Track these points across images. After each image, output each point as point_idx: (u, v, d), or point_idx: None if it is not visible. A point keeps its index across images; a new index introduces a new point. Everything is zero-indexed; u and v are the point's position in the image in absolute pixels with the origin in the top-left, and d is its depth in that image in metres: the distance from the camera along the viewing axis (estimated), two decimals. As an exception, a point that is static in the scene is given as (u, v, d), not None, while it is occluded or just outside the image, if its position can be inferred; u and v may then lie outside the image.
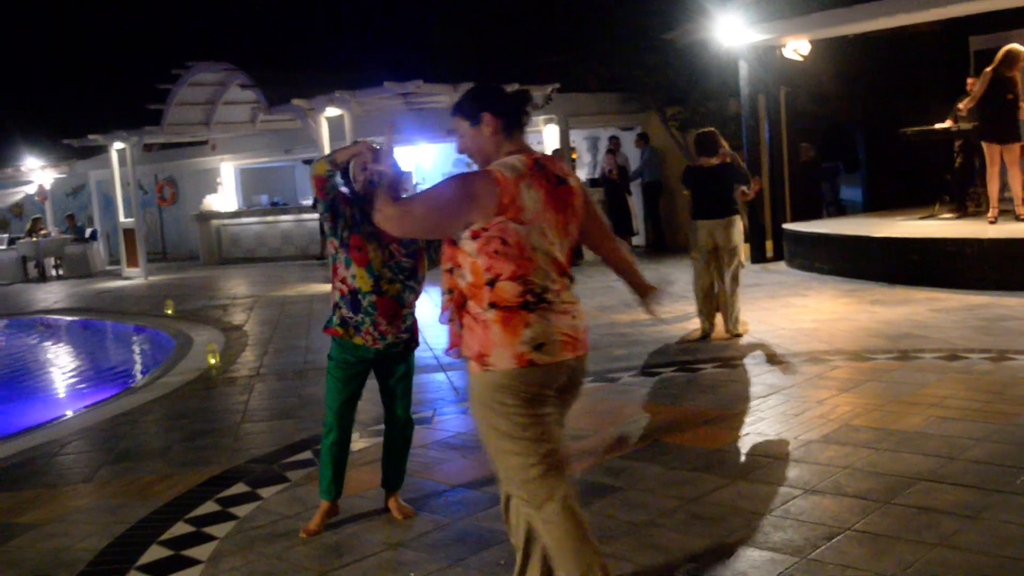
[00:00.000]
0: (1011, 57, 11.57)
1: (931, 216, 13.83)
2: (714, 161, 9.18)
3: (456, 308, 3.48)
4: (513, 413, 3.34)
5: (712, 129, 9.50)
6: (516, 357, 3.30)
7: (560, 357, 3.35)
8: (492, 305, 3.35)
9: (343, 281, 4.79)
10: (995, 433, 5.68)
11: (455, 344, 3.56)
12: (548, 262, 3.38)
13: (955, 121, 13.38)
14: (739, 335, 9.24)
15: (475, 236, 3.34)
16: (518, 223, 3.32)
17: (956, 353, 7.89)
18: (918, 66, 16.48)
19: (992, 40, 15.36)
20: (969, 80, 13.49)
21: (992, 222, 11.91)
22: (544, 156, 3.51)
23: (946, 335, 8.64)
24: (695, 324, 9.59)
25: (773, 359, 8.22)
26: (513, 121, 3.49)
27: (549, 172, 3.44)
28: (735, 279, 9.26)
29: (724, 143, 9.31)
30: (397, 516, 5.00)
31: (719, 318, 9.40)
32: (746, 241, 9.76)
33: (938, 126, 13.62)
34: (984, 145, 11.92)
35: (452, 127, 3.58)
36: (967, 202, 13.65)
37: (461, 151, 3.59)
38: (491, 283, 3.34)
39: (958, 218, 13.37)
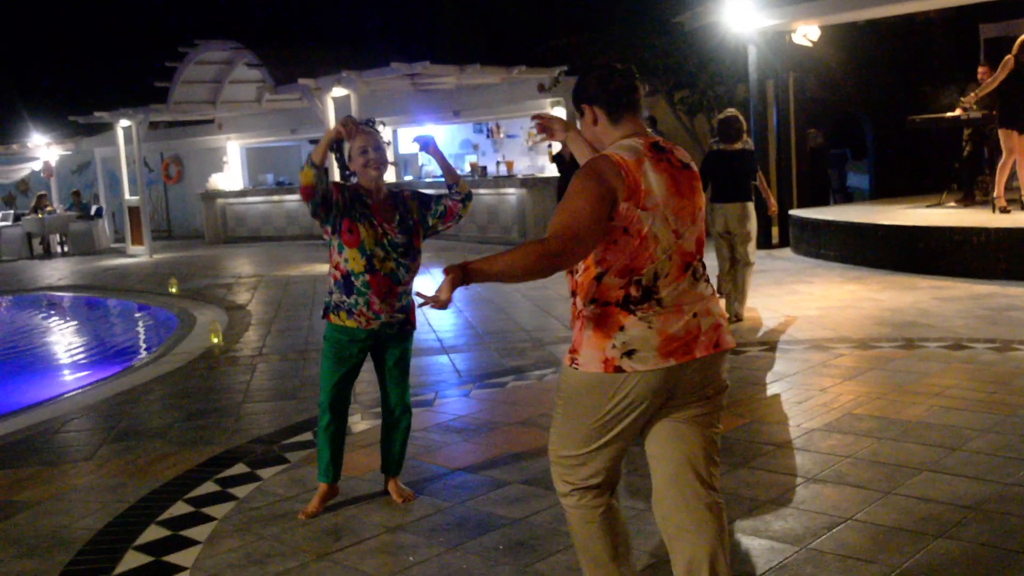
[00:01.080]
0: None
1: (938, 204, 13.78)
2: (736, 146, 9.20)
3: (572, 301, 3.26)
4: (587, 416, 3.15)
5: (736, 113, 9.45)
6: (604, 362, 3.07)
7: (657, 364, 3.04)
8: (592, 301, 3.11)
9: (336, 267, 4.79)
10: (998, 424, 5.65)
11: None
12: (670, 253, 3.09)
13: (964, 109, 13.32)
14: (740, 319, 9.25)
15: None
16: (641, 208, 3.03)
17: (960, 343, 7.85)
18: (927, 53, 16.42)
19: (1002, 28, 15.33)
20: (980, 68, 13.41)
21: (1004, 210, 11.85)
22: (663, 140, 3.23)
23: (951, 324, 8.61)
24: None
25: (777, 346, 8.20)
26: (616, 106, 3.19)
27: (671, 156, 3.17)
28: (747, 264, 9.28)
29: (745, 128, 9.32)
30: (396, 499, 4.99)
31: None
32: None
33: (947, 115, 13.56)
34: (1002, 132, 11.83)
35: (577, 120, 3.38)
36: (974, 190, 13.59)
37: (588, 140, 3.37)
38: (599, 277, 3.10)
39: (965, 206, 13.32)
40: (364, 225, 4.71)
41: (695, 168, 3.26)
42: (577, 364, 3.15)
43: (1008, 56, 11.60)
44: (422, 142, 4.87)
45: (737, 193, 9.17)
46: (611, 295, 3.09)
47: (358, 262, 4.71)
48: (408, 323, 4.95)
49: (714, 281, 9.59)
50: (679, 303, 3.10)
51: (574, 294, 3.23)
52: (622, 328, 3.06)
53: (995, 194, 12.06)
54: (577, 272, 3.19)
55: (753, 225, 9.29)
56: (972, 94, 12.36)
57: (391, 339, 4.91)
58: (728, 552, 3.24)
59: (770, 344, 8.29)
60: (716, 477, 3.25)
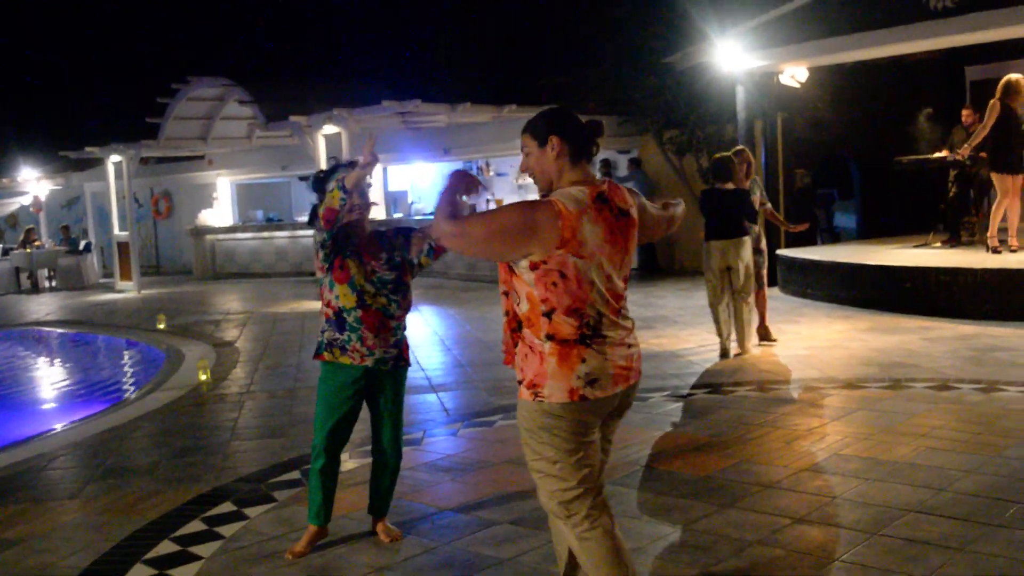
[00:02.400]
0: (1013, 87, 11.60)
1: (925, 245, 13.86)
2: (729, 185, 9.45)
3: (510, 330, 3.52)
4: (559, 440, 3.41)
5: (729, 155, 9.78)
6: (569, 392, 3.36)
7: (612, 391, 3.42)
8: (549, 337, 3.37)
9: (328, 304, 4.81)
10: (984, 465, 5.67)
11: (508, 361, 3.60)
12: (604, 294, 3.40)
13: (950, 151, 13.43)
14: (744, 353, 9.56)
15: (534, 267, 3.34)
16: (577, 257, 3.32)
17: (947, 383, 7.89)
18: (914, 95, 16.56)
19: (988, 70, 15.50)
20: (964, 111, 13.55)
21: (995, 250, 11.91)
22: (610, 187, 3.47)
23: (937, 364, 8.65)
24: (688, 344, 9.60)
25: (764, 386, 8.22)
26: (580, 150, 3.47)
27: (612, 204, 3.44)
28: (746, 296, 9.53)
29: (739, 170, 9.62)
30: (384, 539, 4.98)
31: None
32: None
33: (934, 156, 13.67)
34: (994, 176, 11.90)
35: (521, 144, 3.56)
36: (960, 231, 13.68)
37: (524, 169, 3.57)
38: (547, 315, 3.36)
39: (951, 247, 13.40)
40: (353, 261, 4.74)
41: (633, 214, 3.52)
42: (542, 397, 3.39)
43: (993, 100, 11.72)
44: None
45: (733, 231, 9.40)
46: (568, 332, 3.36)
47: (349, 298, 4.73)
48: (402, 359, 4.96)
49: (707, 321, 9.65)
50: (621, 337, 3.46)
51: (507, 313, 3.50)
52: (584, 360, 3.36)
53: (988, 234, 12.12)
54: (519, 305, 3.44)
55: (750, 258, 9.53)
56: (966, 146, 12.41)
57: (386, 377, 4.91)
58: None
59: (757, 384, 8.31)
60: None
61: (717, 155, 9.93)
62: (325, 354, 4.83)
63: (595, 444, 3.49)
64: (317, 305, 4.99)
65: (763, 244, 10.06)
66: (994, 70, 15.47)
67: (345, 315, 4.75)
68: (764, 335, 10.07)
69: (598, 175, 3.62)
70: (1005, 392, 7.50)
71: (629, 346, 3.48)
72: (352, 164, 4.93)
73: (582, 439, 3.41)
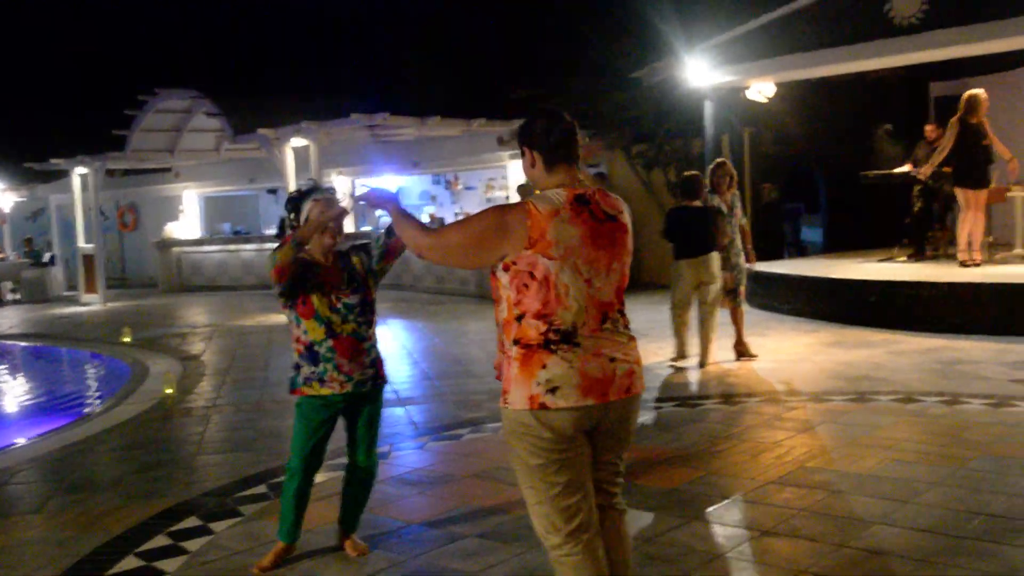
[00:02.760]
0: (974, 103, 11.74)
1: (890, 259, 13.99)
2: (696, 203, 9.59)
3: (499, 340, 3.50)
4: (527, 452, 3.32)
5: (696, 172, 9.98)
6: (529, 399, 3.27)
7: (578, 402, 3.25)
8: (516, 341, 3.32)
9: (298, 340, 4.78)
10: (948, 477, 5.72)
11: (499, 377, 3.52)
12: (583, 300, 3.29)
13: (914, 165, 13.57)
14: (706, 365, 9.66)
15: (506, 269, 3.31)
16: (547, 258, 3.25)
17: (912, 396, 7.95)
18: (880, 111, 16.72)
19: (952, 87, 15.69)
20: (928, 127, 13.71)
21: (964, 264, 12.01)
22: (595, 191, 3.42)
23: (902, 377, 8.72)
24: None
25: (731, 399, 8.26)
26: (553, 155, 3.39)
27: (595, 207, 3.36)
28: (714, 311, 9.66)
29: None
30: (352, 553, 4.95)
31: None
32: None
33: (898, 170, 13.81)
34: (958, 191, 12.03)
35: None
36: (925, 246, 13.82)
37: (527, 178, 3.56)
38: (519, 318, 3.31)
39: (916, 261, 13.53)
40: (316, 296, 4.71)
41: (623, 219, 3.43)
42: (507, 403, 3.34)
43: (953, 118, 11.86)
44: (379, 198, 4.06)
45: (701, 248, 9.50)
46: (533, 337, 3.28)
47: (317, 331, 4.72)
48: (379, 377, 4.94)
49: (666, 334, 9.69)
50: (597, 347, 3.31)
51: (497, 324, 3.47)
52: (545, 366, 3.26)
53: (958, 249, 12.22)
54: (501, 311, 3.40)
55: (719, 273, 9.63)
56: (927, 166, 12.52)
57: (364, 397, 4.89)
58: (629, 552, 3.59)
59: (724, 397, 8.35)
60: (620, 485, 3.61)
61: (686, 173, 10.08)
62: (304, 388, 4.79)
63: (574, 462, 3.33)
64: (283, 318, 4.94)
65: (743, 260, 10.01)
66: (958, 86, 15.65)
67: (317, 347, 4.74)
68: (743, 351, 10.03)
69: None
70: (969, 405, 7.56)
71: (613, 359, 3.32)
72: (330, 189, 4.93)
73: (553, 453, 3.28)
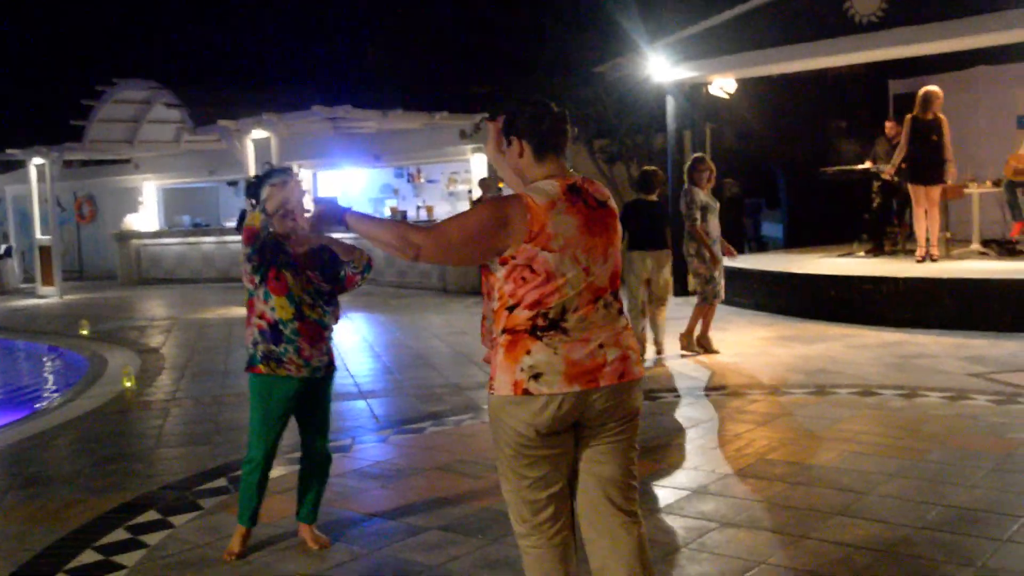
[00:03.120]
0: (927, 99, 11.86)
1: (849, 254, 14.12)
2: (653, 197, 9.82)
3: (483, 333, 3.48)
4: (508, 440, 3.28)
5: (655, 168, 10.23)
6: (514, 385, 3.22)
7: (563, 389, 3.20)
8: (504, 330, 3.29)
9: (261, 316, 4.73)
10: (906, 469, 5.78)
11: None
12: (580, 288, 3.25)
13: (874, 162, 13.71)
14: (662, 352, 9.98)
15: (504, 262, 3.26)
16: (547, 251, 3.21)
17: (870, 389, 8.03)
18: (840, 107, 16.88)
19: (911, 84, 15.83)
20: (888, 123, 13.85)
21: (920, 261, 12.13)
22: (583, 179, 3.40)
23: (861, 371, 8.80)
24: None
25: (692, 392, 8.30)
26: (543, 145, 3.36)
27: (587, 196, 3.34)
28: (663, 303, 9.94)
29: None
30: (312, 546, 4.93)
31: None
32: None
33: (858, 167, 13.94)
34: (910, 187, 12.15)
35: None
36: (884, 241, 13.96)
37: (512, 169, 3.52)
38: (511, 309, 3.27)
39: (875, 256, 13.66)
40: (290, 273, 4.69)
41: (611, 205, 3.41)
42: (493, 389, 3.30)
43: (908, 115, 11.96)
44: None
45: (656, 242, 9.74)
46: (520, 324, 3.25)
47: (287, 310, 4.69)
48: (332, 364, 4.94)
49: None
50: (586, 333, 3.25)
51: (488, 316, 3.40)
52: (529, 352, 3.22)
53: (918, 244, 12.32)
54: (493, 300, 3.35)
55: (669, 269, 9.97)
56: (890, 166, 12.61)
57: (317, 384, 4.87)
58: (650, 570, 3.39)
59: (685, 390, 8.39)
60: (634, 500, 3.40)
61: (644, 168, 10.34)
62: (261, 367, 4.75)
63: (554, 456, 3.29)
64: (244, 311, 4.89)
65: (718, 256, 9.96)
66: (917, 84, 15.81)
67: (282, 327, 4.70)
68: (707, 346, 10.06)
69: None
70: (926, 398, 7.65)
71: (601, 345, 3.26)
72: (286, 171, 4.89)
73: (533, 444, 3.24)
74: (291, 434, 5.01)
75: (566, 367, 3.20)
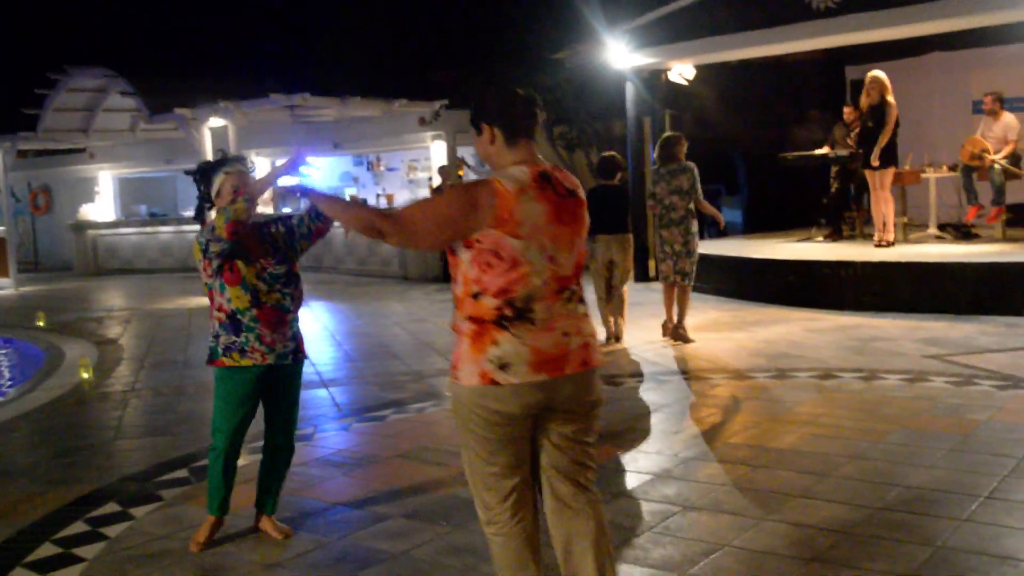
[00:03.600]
0: (865, 84, 11.99)
1: (808, 239, 14.22)
2: (615, 182, 9.94)
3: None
4: (473, 429, 3.29)
5: (614, 153, 10.33)
6: (480, 375, 3.22)
7: (530, 378, 3.21)
8: (469, 318, 3.26)
9: (220, 308, 4.68)
10: (867, 451, 5.84)
11: None
12: (546, 277, 3.25)
13: (831, 147, 13.81)
14: (620, 339, 10.02)
15: (469, 246, 3.23)
16: (514, 237, 3.19)
17: (830, 372, 8.10)
18: (797, 93, 16.97)
19: (867, 70, 15.93)
20: (846, 108, 13.96)
21: (877, 245, 12.23)
22: (553, 167, 3.37)
23: (820, 354, 8.87)
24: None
25: (654, 377, 8.33)
26: (514, 131, 3.32)
27: (557, 184, 3.32)
28: (624, 288, 10.03)
29: (624, 165, 10.07)
30: (275, 536, 4.89)
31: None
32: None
33: (815, 152, 14.04)
34: (867, 173, 12.25)
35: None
36: (842, 226, 14.08)
37: (480, 156, 3.47)
38: (475, 296, 3.24)
39: (833, 241, 13.78)
40: (241, 263, 4.63)
41: (580, 194, 3.41)
42: (458, 378, 3.29)
43: (888, 97, 11.93)
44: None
45: (618, 225, 9.84)
46: (487, 314, 3.23)
47: (242, 299, 4.64)
48: (299, 351, 4.89)
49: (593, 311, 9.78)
50: (551, 323, 3.26)
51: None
52: (496, 343, 3.21)
53: (876, 229, 12.39)
54: (456, 287, 3.33)
55: (631, 253, 10.07)
56: (876, 148, 12.51)
57: (284, 372, 4.83)
58: (610, 543, 3.47)
59: (647, 375, 8.42)
60: (592, 481, 3.48)
61: (604, 154, 10.40)
62: (224, 359, 4.69)
63: (518, 443, 3.32)
64: (204, 301, 4.84)
65: (695, 242, 9.81)
66: (871, 69, 15.98)
67: (240, 316, 4.66)
68: (682, 335, 9.86)
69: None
70: (885, 380, 7.73)
71: (566, 334, 3.28)
72: (240, 159, 4.84)
73: (497, 431, 3.26)
74: (258, 423, 4.96)
75: (532, 356, 3.21)
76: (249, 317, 4.65)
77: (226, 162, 4.79)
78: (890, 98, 11.89)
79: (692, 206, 9.64)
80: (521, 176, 3.26)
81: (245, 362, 4.68)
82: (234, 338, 4.67)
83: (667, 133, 10.12)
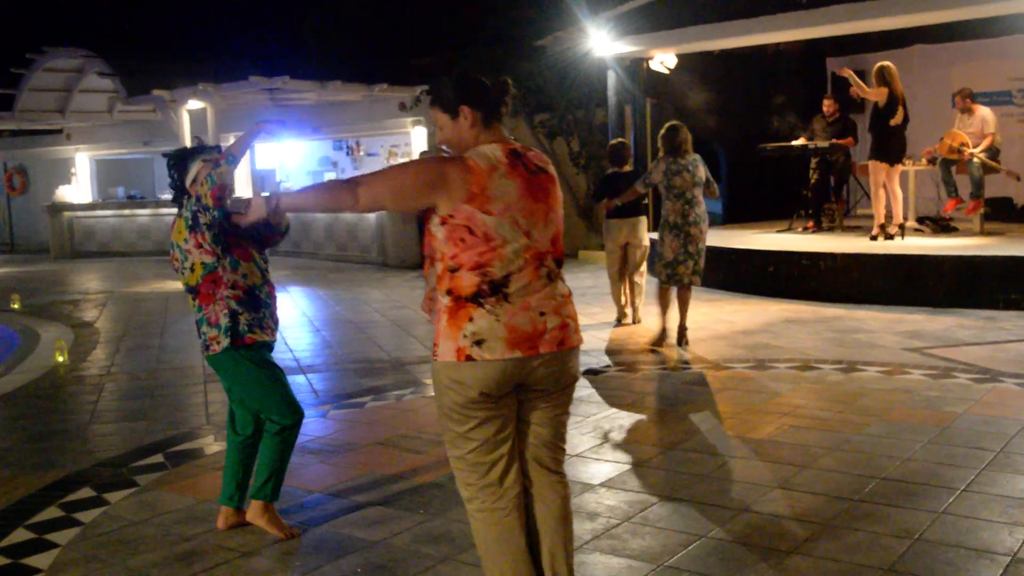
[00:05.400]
0: (893, 73, 11.83)
1: (788, 230, 14.25)
2: (627, 168, 10.36)
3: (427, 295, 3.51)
4: (452, 405, 3.33)
5: (622, 140, 10.84)
6: (456, 351, 3.26)
7: (504, 355, 3.25)
8: (448, 292, 3.31)
9: (234, 286, 4.55)
10: (845, 442, 5.85)
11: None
12: (521, 252, 3.30)
13: (811, 139, 13.83)
14: (639, 321, 10.37)
15: (443, 223, 3.28)
16: (486, 213, 3.24)
17: (809, 364, 8.11)
18: (778, 84, 16.97)
19: (847, 62, 15.98)
20: (826, 100, 13.98)
21: (873, 238, 12.17)
22: (522, 146, 3.46)
23: (800, 346, 8.89)
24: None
25: (633, 367, 8.32)
26: (492, 113, 3.43)
27: (528, 161, 3.40)
28: (640, 271, 10.40)
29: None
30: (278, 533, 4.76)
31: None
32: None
33: (795, 143, 14.05)
34: (872, 164, 11.98)
35: (431, 118, 3.49)
36: (822, 217, 14.11)
37: (440, 142, 3.51)
38: (453, 271, 3.29)
39: (813, 232, 13.80)
40: (246, 240, 4.61)
41: (551, 171, 3.49)
42: (437, 355, 3.34)
43: (897, 86, 11.76)
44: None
45: (631, 211, 10.11)
46: (464, 289, 3.27)
47: (256, 275, 4.65)
48: None
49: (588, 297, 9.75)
50: (527, 301, 3.30)
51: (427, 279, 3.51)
52: (471, 319, 3.26)
53: (877, 223, 12.23)
54: (435, 262, 3.39)
55: (645, 236, 10.37)
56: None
57: (270, 350, 4.80)
58: (571, 526, 3.55)
59: (626, 365, 8.41)
60: (561, 462, 3.57)
61: (613, 141, 10.89)
62: (253, 335, 4.58)
63: (498, 419, 3.34)
64: (179, 285, 4.77)
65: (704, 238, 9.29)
66: (854, 61, 15.99)
67: (257, 292, 4.63)
68: (686, 339, 9.18)
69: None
70: (864, 372, 7.75)
71: (543, 313, 3.32)
72: (216, 148, 4.78)
73: (476, 408, 3.30)
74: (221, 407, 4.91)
75: (507, 333, 3.26)
76: (264, 293, 4.67)
77: (203, 149, 4.73)
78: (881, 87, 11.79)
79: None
80: (493, 153, 3.34)
81: (265, 336, 4.65)
82: (255, 314, 4.60)
83: (671, 122, 9.57)
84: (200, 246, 4.52)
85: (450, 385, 3.31)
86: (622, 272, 10.42)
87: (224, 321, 4.56)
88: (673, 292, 9.33)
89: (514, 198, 3.30)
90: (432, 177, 3.27)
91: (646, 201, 10.60)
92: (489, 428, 3.35)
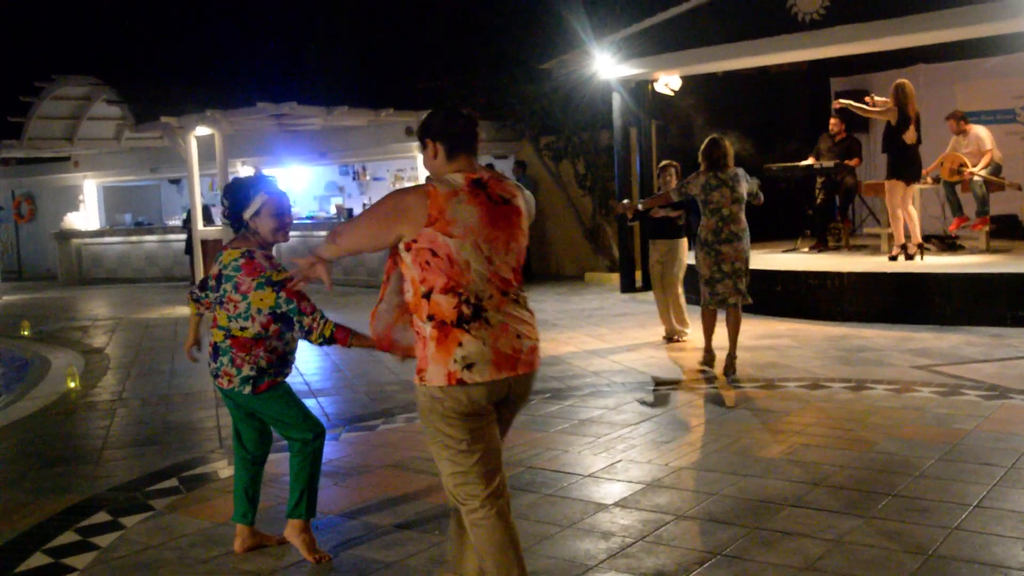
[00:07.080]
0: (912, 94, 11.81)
1: (793, 249, 14.28)
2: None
3: (409, 318, 3.64)
4: (446, 424, 3.50)
5: (674, 162, 10.94)
6: (447, 375, 3.45)
7: (493, 376, 3.47)
8: (430, 318, 3.48)
9: (272, 351, 4.73)
10: (855, 460, 5.87)
11: (382, 346, 3.84)
12: (486, 277, 3.49)
13: (816, 158, 13.88)
14: (681, 339, 10.60)
15: (408, 248, 3.49)
16: (447, 235, 3.43)
17: (818, 382, 8.14)
18: (782, 104, 17.05)
19: (852, 82, 16.07)
20: (832, 120, 14.02)
21: (892, 258, 12.12)
22: (491, 176, 3.62)
23: (808, 365, 8.91)
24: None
25: (643, 387, 8.35)
26: (455, 146, 3.61)
27: (492, 191, 3.57)
28: (676, 292, 10.66)
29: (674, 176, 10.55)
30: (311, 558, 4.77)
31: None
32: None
33: (801, 163, 14.10)
34: (888, 184, 11.93)
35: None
36: (827, 236, 14.14)
37: (426, 168, 3.73)
38: (427, 295, 3.48)
39: (819, 252, 13.83)
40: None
41: (516, 203, 3.64)
42: (425, 380, 3.50)
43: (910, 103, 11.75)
44: None
45: (664, 231, 10.66)
46: (446, 314, 3.46)
47: (295, 341, 4.90)
48: None
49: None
50: (505, 324, 3.52)
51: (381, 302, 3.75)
52: (461, 344, 3.45)
53: (898, 243, 12.16)
54: (408, 292, 3.58)
55: (684, 256, 10.67)
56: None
57: None
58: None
59: (636, 385, 8.44)
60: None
61: (662, 163, 10.98)
62: (268, 382, 4.72)
63: (488, 431, 3.55)
64: (186, 310, 4.83)
65: (747, 252, 9.10)
66: (858, 81, 16.08)
67: (290, 356, 4.87)
68: (735, 367, 8.74)
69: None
70: (873, 390, 7.77)
71: (519, 336, 3.55)
72: (272, 180, 4.77)
73: (469, 424, 3.49)
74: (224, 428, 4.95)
75: (494, 356, 3.47)
76: (294, 351, 4.89)
77: (266, 179, 4.72)
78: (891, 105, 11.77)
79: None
80: (455, 181, 3.54)
81: (279, 379, 4.81)
82: (278, 369, 4.77)
83: (712, 135, 9.24)
84: (306, 313, 4.67)
85: (442, 406, 3.48)
86: (662, 290, 10.75)
87: (247, 372, 4.65)
88: (720, 315, 8.95)
89: (474, 223, 3.48)
90: (390, 209, 3.52)
91: (682, 221, 10.73)
92: (484, 439, 3.54)
